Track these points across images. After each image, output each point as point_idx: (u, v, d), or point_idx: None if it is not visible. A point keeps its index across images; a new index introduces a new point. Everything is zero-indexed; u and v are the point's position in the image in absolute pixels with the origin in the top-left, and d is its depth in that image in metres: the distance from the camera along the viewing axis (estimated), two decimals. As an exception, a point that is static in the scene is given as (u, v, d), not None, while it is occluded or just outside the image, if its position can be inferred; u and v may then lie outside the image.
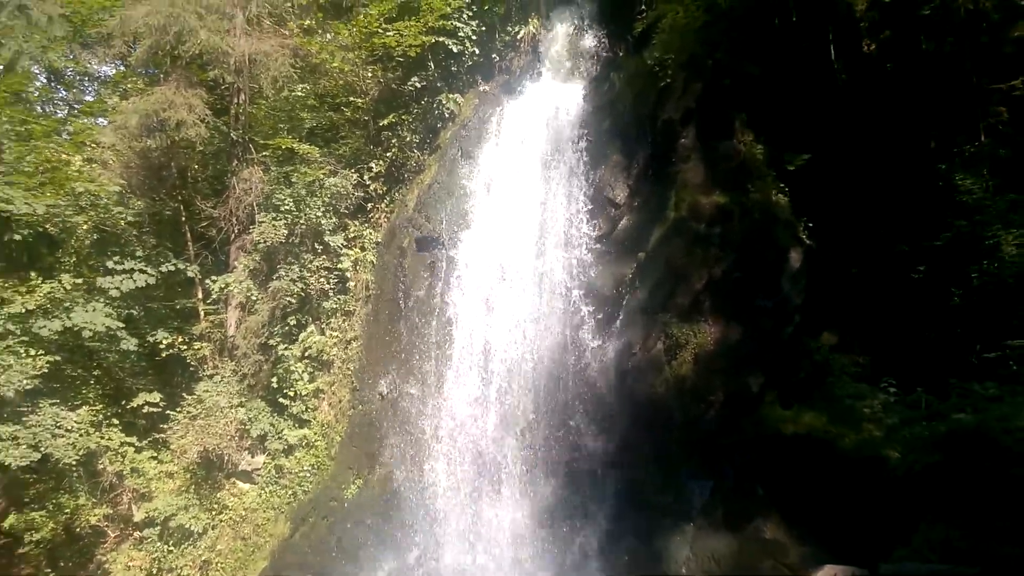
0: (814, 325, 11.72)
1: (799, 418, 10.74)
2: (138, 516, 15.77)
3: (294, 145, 17.62)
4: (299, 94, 19.12)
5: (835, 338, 11.52)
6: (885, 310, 11.44)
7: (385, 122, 17.80)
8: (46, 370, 14.99)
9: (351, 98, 18.57)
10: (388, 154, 17.92)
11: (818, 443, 10.32)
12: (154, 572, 15.30)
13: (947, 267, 11.18)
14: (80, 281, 16.22)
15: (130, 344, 16.45)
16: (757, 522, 10.22)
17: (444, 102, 17.26)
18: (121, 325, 16.27)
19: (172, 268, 17.73)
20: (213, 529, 15.50)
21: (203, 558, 15.22)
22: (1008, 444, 9.01)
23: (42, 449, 14.61)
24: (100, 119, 20.49)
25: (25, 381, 14.48)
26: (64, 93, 23.47)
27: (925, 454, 9.60)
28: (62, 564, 16.05)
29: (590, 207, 14.35)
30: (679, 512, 11.04)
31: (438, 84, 17.51)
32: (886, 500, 9.55)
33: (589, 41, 16.92)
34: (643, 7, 15.76)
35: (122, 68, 22.49)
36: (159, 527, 15.45)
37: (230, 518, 15.62)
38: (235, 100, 18.73)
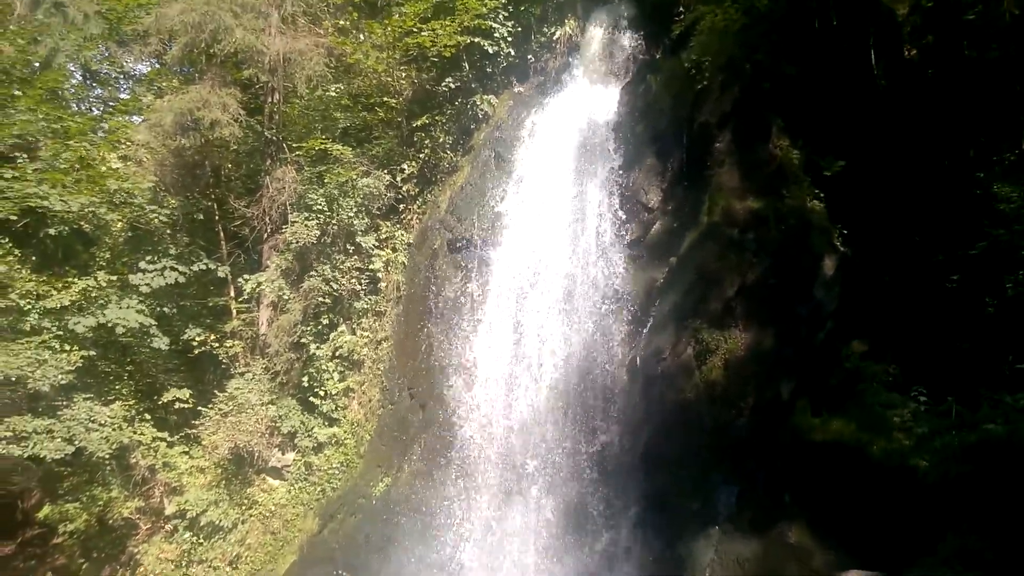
0: (846, 332, 11.98)
1: (829, 425, 11.01)
2: (169, 509, 16.46)
3: (327, 145, 18.21)
4: (333, 94, 19.73)
5: (866, 346, 11.73)
6: (917, 319, 11.66)
7: (418, 123, 18.34)
8: (80, 365, 15.60)
9: (385, 98, 19.14)
10: (421, 155, 18.46)
11: (847, 450, 10.58)
12: (184, 564, 15.96)
13: (982, 276, 11.37)
14: (115, 278, 16.85)
15: (162, 342, 17.12)
16: (783, 527, 10.52)
17: (478, 103, 17.75)
18: (154, 323, 16.93)
19: (204, 268, 18.39)
20: (243, 524, 16.19)
21: (233, 552, 15.90)
22: (1040, 456, 9.25)
23: (76, 442, 15.20)
24: (135, 117, 21.28)
25: (60, 376, 15.07)
26: (99, 91, 24.35)
27: (954, 464, 9.84)
28: (95, 555, 16.74)
29: (623, 211, 14.75)
30: (705, 516, 11.38)
31: (472, 85, 18.01)
32: (913, 509, 9.79)
33: (626, 43, 17.28)
34: (681, 9, 16.01)
35: (157, 66, 23.31)
36: (190, 520, 16.13)
37: (260, 513, 16.30)
38: (269, 99, 19.40)
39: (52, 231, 16.44)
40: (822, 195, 12.63)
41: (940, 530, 9.53)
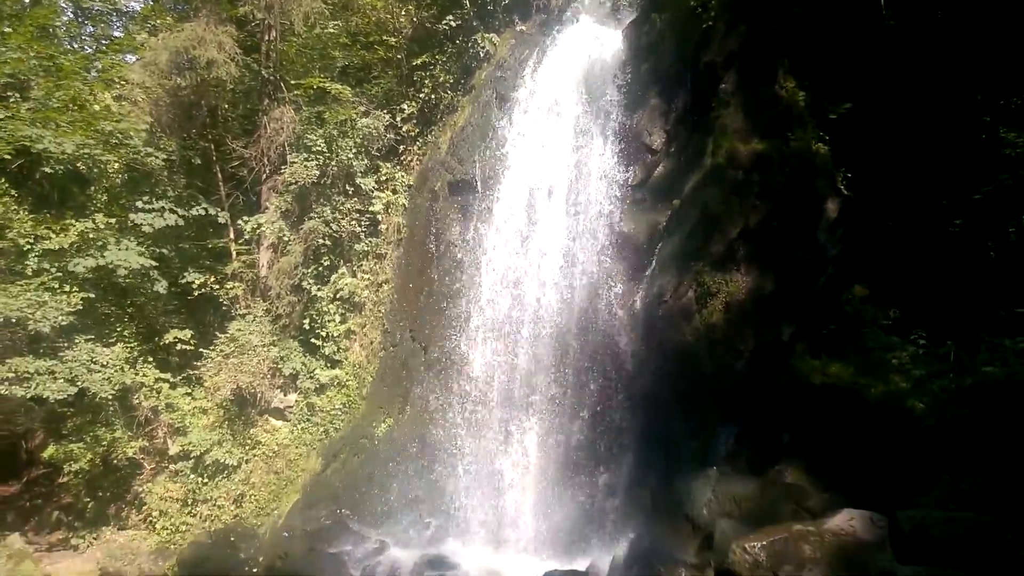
0: (847, 276, 12.12)
1: (828, 368, 11.22)
2: (173, 449, 16.78)
3: (326, 84, 18.10)
4: (331, 32, 19.51)
5: (867, 290, 11.87)
6: (919, 263, 11.77)
7: (418, 62, 18.23)
8: (80, 307, 15.74)
9: (384, 37, 18.97)
10: (421, 95, 18.37)
11: (845, 393, 10.81)
12: (190, 503, 16.37)
13: (985, 221, 11.47)
14: (113, 221, 16.89)
15: (162, 286, 17.26)
16: (780, 468, 10.80)
17: (479, 42, 17.58)
18: (154, 264, 17.04)
19: (203, 211, 18.45)
20: (247, 463, 16.55)
21: (237, 490, 16.29)
22: (1037, 399, 9.47)
23: (78, 383, 15.41)
24: (128, 56, 21.09)
25: (60, 317, 15.21)
26: (91, 28, 24.02)
27: (951, 406, 10.09)
28: (100, 494, 17.09)
29: (626, 153, 14.75)
30: (703, 457, 11.70)
31: (474, 23, 17.82)
32: (909, 451, 10.05)
33: (630, -20, 17.09)
34: (687, -55, 15.82)
35: (150, 2, 23.01)
36: (194, 460, 16.49)
37: (263, 453, 16.66)
38: (266, 37, 19.19)
39: (48, 170, 16.43)
40: (827, 137, 12.62)
41: (935, 471, 9.79)
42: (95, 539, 16.43)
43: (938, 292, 11.49)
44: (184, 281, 18.42)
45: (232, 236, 19.36)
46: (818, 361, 11.44)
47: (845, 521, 8.74)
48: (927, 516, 8.95)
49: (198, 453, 16.35)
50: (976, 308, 11.14)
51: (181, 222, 17.83)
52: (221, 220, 19.04)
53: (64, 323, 15.36)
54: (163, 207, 17.55)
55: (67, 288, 15.77)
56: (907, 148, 12.27)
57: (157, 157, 17.72)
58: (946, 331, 11.03)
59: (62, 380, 15.30)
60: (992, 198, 11.37)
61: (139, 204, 17.42)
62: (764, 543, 8.67)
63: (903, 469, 9.98)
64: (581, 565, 11.92)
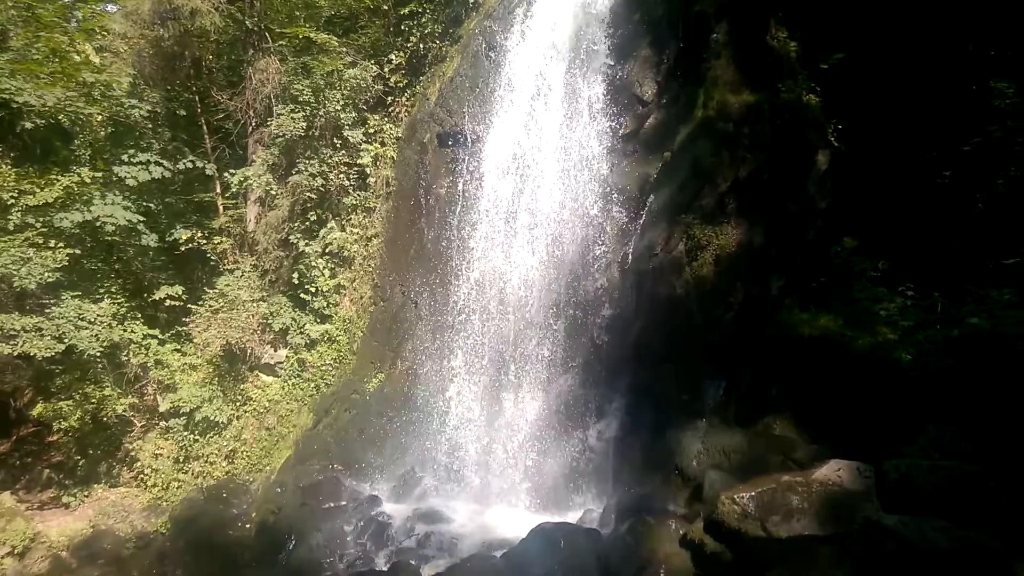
0: (837, 229, 12.23)
1: (816, 320, 11.36)
2: (163, 407, 16.90)
3: (311, 34, 17.93)
4: (316, -21, 19.27)
5: (856, 242, 12.00)
6: (908, 215, 11.89)
7: (406, 11, 17.99)
8: (66, 263, 15.77)
9: (371, -17, 18.70)
10: (409, 45, 18.17)
11: (833, 345, 10.96)
12: (181, 460, 16.55)
13: (974, 173, 11.56)
14: (99, 175, 16.81)
15: (150, 239, 17.23)
16: (768, 420, 10.99)
17: (468, -12, 17.36)
18: (141, 219, 17.00)
19: (191, 164, 18.34)
20: (238, 419, 16.71)
21: (229, 447, 16.46)
22: (1021, 349, 9.64)
23: (66, 340, 15.48)
24: (109, 6, 20.79)
25: (46, 274, 15.23)
26: (70, -24, 23.60)
27: (938, 357, 10.27)
28: (91, 452, 17.24)
29: (617, 104, 14.66)
30: (693, 409, 11.87)
31: (462, -30, 17.57)
32: (896, 402, 10.24)
33: (622, -75, 16.83)
34: None
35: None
36: (185, 417, 16.61)
37: (254, 409, 16.82)
38: (250, -15, 18.94)
39: (28, 125, 16.29)
40: (818, 89, 12.63)
41: (921, 422, 9.99)
42: (86, 497, 16.64)
43: (927, 244, 11.63)
44: (171, 237, 18.38)
45: (219, 190, 19.32)
46: (807, 313, 11.58)
47: (832, 471, 8.95)
48: (912, 465, 9.14)
49: (188, 410, 16.45)
50: (964, 260, 11.29)
51: (167, 175, 17.75)
52: (208, 172, 18.95)
53: (50, 280, 15.36)
54: (148, 160, 17.43)
55: (52, 244, 15.73)
56: (897, 99, 12.31)
57: (141, 109, 17.57)
58: (934, 283, 11.18)
59: (49, 337, 15.35)
60: (981, 150, 11.46)
61: (124, 157, 17.28)
62: (752, 494, 8.89)
63: (889, 420, 10.16)
64: (572, 518, 12.13)
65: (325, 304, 17.40)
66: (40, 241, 15.66)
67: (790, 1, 12.90)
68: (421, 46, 18.04)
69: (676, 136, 13.51)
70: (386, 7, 18.80)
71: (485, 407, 14.75)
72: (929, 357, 10.27)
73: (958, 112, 11.92)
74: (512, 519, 13.08)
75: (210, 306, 17.12)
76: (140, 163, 17.29)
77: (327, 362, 16.92)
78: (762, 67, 12.78)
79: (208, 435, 16.60)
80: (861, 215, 12.18)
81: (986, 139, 11.32)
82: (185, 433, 16.61)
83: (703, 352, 12.10)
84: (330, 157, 17.63)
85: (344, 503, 14.18)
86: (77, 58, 17.50)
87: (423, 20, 17.96)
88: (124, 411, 16.89)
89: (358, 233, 17.62)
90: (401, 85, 18.36)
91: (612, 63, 14.85)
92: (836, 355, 10.87)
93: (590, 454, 13.15)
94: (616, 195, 14.19)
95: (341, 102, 17.42)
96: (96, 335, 15.90)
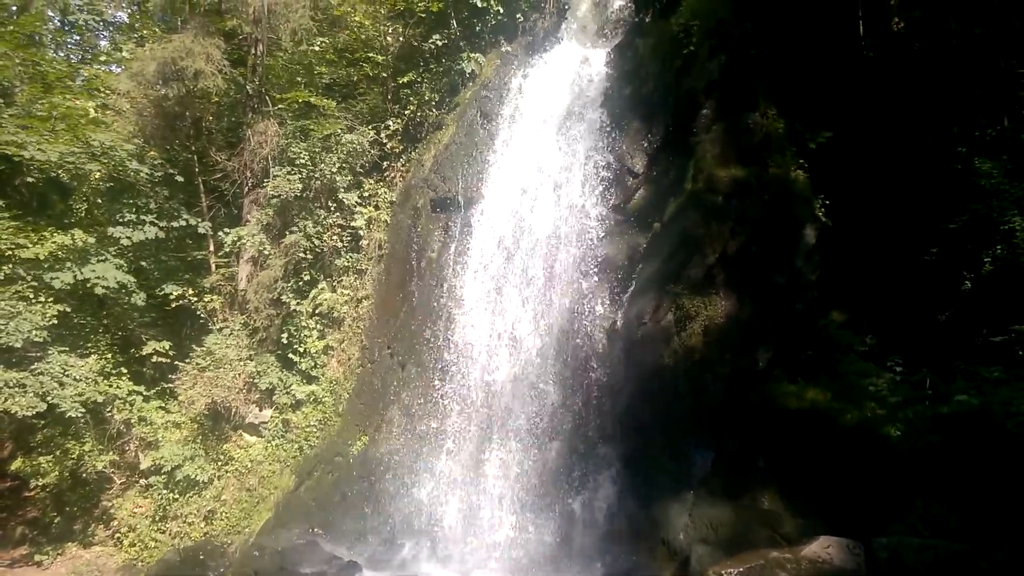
0: (824, 302, 12.15)
1: (804, 393, 11.21)
2: (144, 464, 16.46)
3: (311, 99, 18.07)
4: (317, 48, 19.58)
5: (844, 316, 11.93)
6: (896, 290, 11.85)
7: (404, 80, 18.22)
8: (55, 322, 15.50)
9: (370, 54, 19.02)
10: (406, 112, 18.35)
11: (821, 418, 10.79)
12: (159, 519, 16.02)
13: (960, 251, 11.56)
14: (93, 239, 16.62)
15: (139, 298, 17.01)
16: (756, 492, 10.75)
17: (465, 61, 17.57)
18: (132, 280, 16.81)
19: (185, 223, 18.25)
20: (219, 479, 16.23)
21: (208, 507, 15.94)
22: (1010, 428, 9.49)
23: (49, 399, 15.07)
24: (114, 67, 20.98)
25: (34, 332, 14.92)
26: (77, 38, 23.95)
27: (926, 433, 10.10)
28: (68, 508, 16.77)
29: (608, 175, 14.74)
30: (680, 480, 11.58)
31: (460, 43, 17.87)
32: (884, 477, 10.05)
33: (616, 4, 17.20)
34: (671, -29, 15.95)
35: (137, 14, 22.95)
36: (165, 476, 16.14)
37: (236, 469, 16.35)
38: (252, 51, 19.21)
39: (29, 179, 16.24)
40: (806, 165, 12.71)
41: (909, 498, 9.81)
42: (60, 555, 16.12)
43: (914, 320, 11.56)
44: (162, 293, 18.18)
45: (212, 249, 19.20)
46: (795, 386, 11.44)
47: (822, 548, 8.74)
48: (902, 543, 8.95)
49: (170, 468, 16.00)
50: (952, 336, 11.21)
51: (162, 235, 17.62)
52: (202, 231, 18.84)
53: (38, 339, 15.06)
54: (144, 220, 17.32)
55: (42, 299, 15.50)
56: (884, 177, 12.39)
57: (142, 169, 17.53)
58: (922, 359, 11.08)
59: (32, 395, 14.93)
60: (967, 228, 11.48)
61: (119, 216, 17.18)
62: (740, 570, 8.65)
63: (878, 495, 9.98)
64: (557, 589, 11.77)
65: (313, 365, 17.13)
66: (30, 295, 15.40)
67: (778, 79, 13.07)
68: (418, 114, 18.21)
69: (666, 208, 13.55)
70: (385, 75, 19.04)
71: (470, 473, 14.36)
72: (918, 433, 10.11)
73: (944, 190, 12.00)
74: (495, 590, 12.66)
75: (197, 364, 16.81)
76: (135, 223, 17.14)
77: (312, 423, 16.57)
78: (750, 143, 12.90)
79: (188, 494, 16.11)
80: (849, 289, 12.13)
81: (972, 217, 11.36)
82: (165, 492, 16.14)
83: (691, 422, 11.88)
84: (324, 219, 17.60)
85: (323, 569, 13.66)
86: (83, 118, 17.50)
87: (421, 89, 18.17)
88: (104, 467, 16.46)
89: (348, 294, 17.48)
90: (397, 151, 18.46)
91: (603, 135, 14.97)
92: (824, 428, 10.71)
93: (575, 523, 12.78)
94: (606, 264, 14.13)
95: (337, 165, 17.47)
96: (80, 393, 15.49)
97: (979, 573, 8.29)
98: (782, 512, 10.47)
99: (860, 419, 10.57)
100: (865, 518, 9.75)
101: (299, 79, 20.00)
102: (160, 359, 17.34)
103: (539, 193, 15.18)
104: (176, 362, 17.23)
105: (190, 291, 18.27)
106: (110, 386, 16.39)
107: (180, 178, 18.89)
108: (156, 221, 17.51)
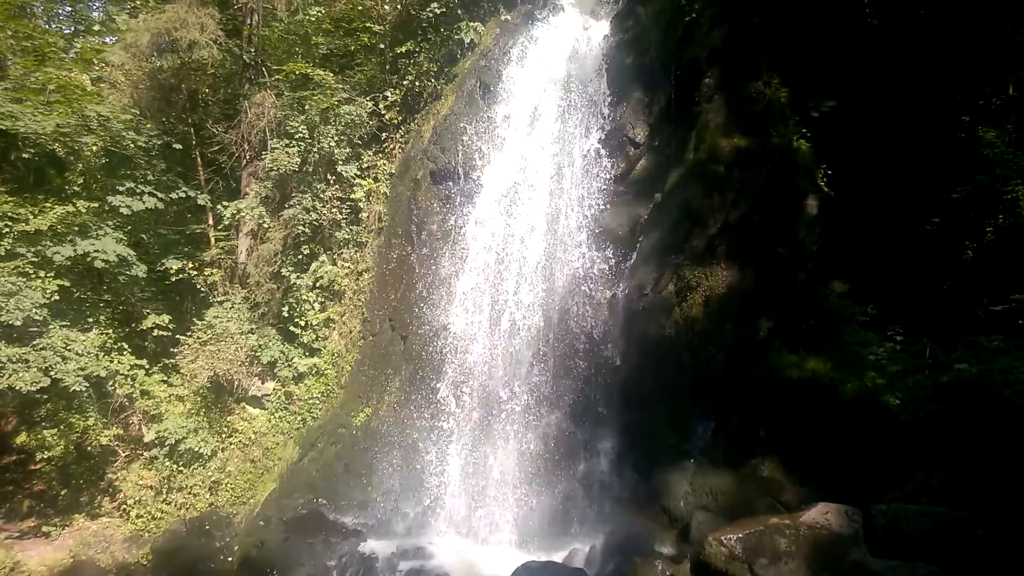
0: (826, 273, 12.27)
1: (805, 363, 11.36)
2: (148, 437, 16.61)
3: (308, 70, 18.01)
4: (313, 17, 19.39)
5: (845, 286, 12.05)
6: (897, 260, 11.96)
7: (402, 49, 18.13)
8: (56, 298, 15.59)
9: (367, 23, 18.84)
10: (404, 83, 18.28)
11: (822, 388, 10.96)
12: (164, 491, 16.25)
13: (962, 220, 11.67)
14: (95, 205, 16.67)
15: (140, 270, 17.06)
16: (756, 461, 10.95)
17: (464, 30, 17.47)
18: (132, 253, 16.86)
19: (184, 195, 18.28)
20: (223, 451, 16.42)
21: (212, 478, 16.17)
22: (1009, 396, 9.66)
23: (52, 373, 15.14)
24: (107, 37, 20.86)
25: (35, 310, 14.98)
26: (69, 9, 23.75)
27: (926, 402, 10.27)
28: (73, 481, 16.91)
29: (610, 145, 14.80)
30: (681, 450, 11.79)
31: (458, 11, 17.70)
32: (884, 446, 10.22)
33: (617, -28, 17.10)
34: (674, -63, 15.84)
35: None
36: (169, 448, 16.32)
37: (239, 441, 16.55)
38: (248, 21, 19.07)
39: (24, 155, 16.23)
40: (809, 134, 12.74)
41: (909, 466, 9.99)
42: (67, 527, 16.23)
43: (916, 289, 11.68)
44: (162, 267, 18.27)
45: (211, 222, 19.25)
46: (795, 356, 11.58)
47: (820, 514, 8.92)
48: (900, 510, 9.14)
49: (173, 441, 16.17)
50: (953, 306, 11.34)
51: (161, 205, 17.64)
52: (201, 203, 18.87)
53: (38, 318, 15.12)
54: (143, 191, 17.34)
55: (42, 274, 15.56)
56: (887, 146, 12.43)
57: (138, 140, 17.51)
58: (922, 328, 11.22)
59: (35, 369, 14.98)
60: (970, 197, 11.57)
61: (118, 187, 17.19)
62: (740, 535, 8.83)
63: (877, 464, 10.16)
64: (559, 557, 11.94)
65: (314, 337, 17.28)
66: (30, 271, 15.46)
67: (782, 48, 13.05)
68: (416, 84, 18.16)
69: (667, 178, 13.62)
70: (383, 46, 18.96)
71: (472, 443, 14.58)
72: (918, 402, 10.28)
73: (947, 160, 12.06)
74: (498, 557, 12.87)
75: (198, 337, 16.91)
76: (135, 192, 17.17)
77: (314, 396, 16.75)
78: (753, 112, 12.91)
79: (192, 466, 16.31)
80: (850, 260, 12.24)
81: (974, 188, 11.44)
82: (169, 464, 16.30)
83: (692, 393, 12.06)
84: (323, 192, 17.62)
85: (328, 538, 13.93)
86: (77, 90, 17.44)
87: (419, 59, 18.09)
88: (108, 441, 16.58)
89: (349, 267, 17.57)
90: (396, 122, 18.43)
91: (605, 105, 14.99)
92: (824, 398, 10.87)
93: (578, 493, 13.02)
94: (607, 235, 14.23)
95: (336, 137, 17.45)
96: (83, 367, 15.58)
97: (976, 539, 8.47)
98: (782, 480, 10.67)
99: (860, 389, 10.72)
100: (865, 487, 9.91)
101: (296, 50, 19.93)
102: (161, 332, 17.43)
103: (539, 164, 15.23)
104: (177, 336, 17.33)
105: (190, 265, 18.36)
106: (111, 361, 16.48)
107: (178, 146, 18.86)
108: (155, 192, 17.51)
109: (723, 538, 8.86)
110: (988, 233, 11.40)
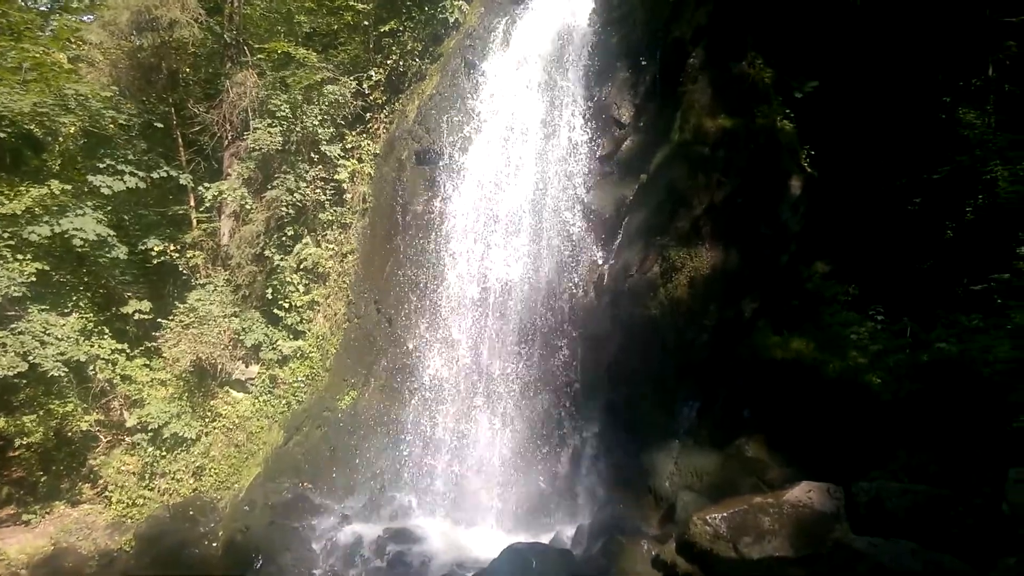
0: (809, 253, 12.41)
1: (788, 344, 11.50)
2: (130, 422, 16.62)
3: (290, 49, 17.93)
4: (296, -5, 19.34)
5: (828, 267, 12.19)
6: (879, 240, 12.10)
7: (386, 28, 18.11)
8: (34, 279, 15.55)
9: (351, 2, 18.75)
10: (388, 62, 18.30)
11: (805, 368, 11.09)
12: (147, 476, 16.31)
13: (943, 200, 11.82)
14: (70, 187, 16.55)
15: (120, 251, 17.00)
16: (741, 442, 11.08)
17: (448, 8, 17.45)
18: (112, 233, 16.80)
19: (165, 175, 18.19)
20: (206, 436, 16.51)
21: (196, 463, 16.26)
22: (988, 374, 9.82)
23: (30, 359, 15.18)
24: (86, 16, 20.65)
25: (13, 288, 14.97)
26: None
27: (907, 381, 10.43)
28: (54, 468, 16.95)
29: (595, 125, 14.85)
30: (666, 430, 11.93)
31: (444, -12, 17.69)
32: (866, 425, 10.38)
33: (602, -51, 17.06)
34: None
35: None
36: (151, 433, 16.38)
37: (223, 426, 16.64)
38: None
39: (0, 135, 16.10)
40: (792, 115, 12.85)
41: (891, 446, 10.13)
42: (48, 514, 16.31)
43: (897, 269, 11.83)
44: (143, 249, 18.21)
45: (193, 203, 19.20)
46: (779, 337, 11.72)
47: (803, 493, 9.06)
48: (882, 488, 9.26)
49: (156, 426, 16.22)
50: (933, 285, 11.49)
51: (143, 185, 17.55)
52: (183, 182, 18.80)
53: (17, 294, 15.10)
54: (123, 170, 17.24)
55: (20, 256, 15.49)
56: (870, 127, 12.55)
57: (117, 119, 17.40)
58: (903, 308, 11.37)
59: (13, 354, 15.01)
60: (950, 178, 11.70)
61: (99, 166, 17.08)
62: (724, 515, 8.97)
63: (860, 443, 10.29)
64: (546, 538, 12.13)
65: (298, 320, 17.33)
66: (7, 254, 15.39)
67: (766, 28, 13.12)
68: (400, 63, 18.16)
69: (652, 158, 13.69)
70: (366, 24, 18.91)
71: (458, 426, 14.70)
72: (899, 381, 10.43)
73: (928, 141, 12.20)
74: (484, 539, 13.06)
75: (180, 321, 16.93)
76: (115, 172, 17.07)
77: (299, 379, 16.82)
78: (738, 92, 12.98)
79: (175, 451, 16.38)
80: (833, 240, 12.37)
81: (954, 168, 11.58)
82: (152, 449, 16.37)
83: (677, 373, 12.19)
84: (307, 172, 17.60)
85: (314, 522, 14.08)
86: (55, 68, 17.29)
87: (403, 38, 18.09)
88: (89, 427, 16.60)
89: (333, 249, 17.60)
90: (380, 102, 18.44)
91: (590, 85, 15.03)
92: (808, 378, 11.01)
93: (563, 474, 13.18)
94: (592, 216, 14.31)
95: (319, 117, 17.44)
96: (62, 352, 15.57)
97: (956, 516, 8.63)
98: (767, 460, 10.80)
99: (843, 369, 10.86)
100: (849, 467, 10.04)
101: (278, 28, 19.88)
102: (142, 316, 17.40)
103: (524, 145, 15.26)
104: (159, 320, 17.31)
105: (172, 247, 18.31)
106: (91, 345, 16.44)
107: (159, 125, 18.78)
108: (135, 171, 17.41)
109: (708, 517, 9.00)
110: (968, 213, 11.55)
